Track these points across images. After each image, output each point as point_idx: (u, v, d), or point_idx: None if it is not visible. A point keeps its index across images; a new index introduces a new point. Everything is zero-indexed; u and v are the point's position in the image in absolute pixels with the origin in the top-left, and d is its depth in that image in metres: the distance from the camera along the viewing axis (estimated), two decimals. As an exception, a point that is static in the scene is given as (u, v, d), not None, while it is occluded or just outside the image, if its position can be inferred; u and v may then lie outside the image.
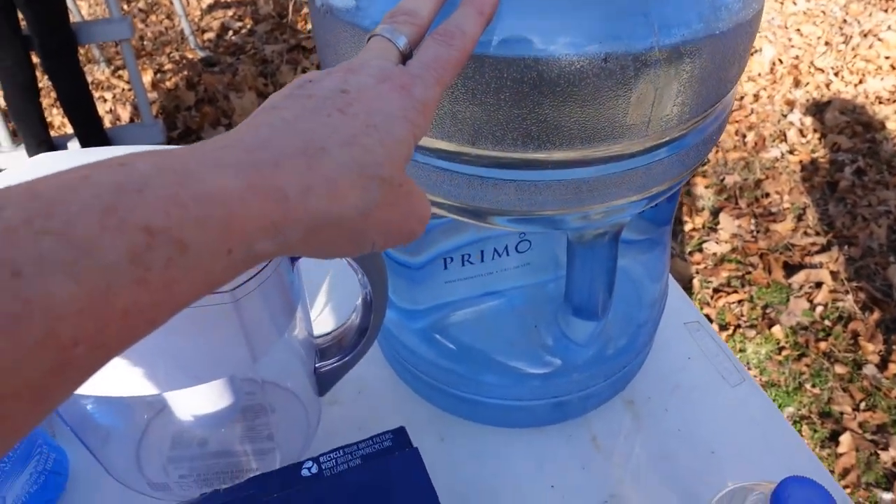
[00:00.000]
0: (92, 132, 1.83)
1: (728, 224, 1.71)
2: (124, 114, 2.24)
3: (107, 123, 2.17)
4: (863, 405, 1.32)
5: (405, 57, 0.27)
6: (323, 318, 0.64)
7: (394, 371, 0.58)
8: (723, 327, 1.48)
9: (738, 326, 1.48)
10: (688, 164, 0.38)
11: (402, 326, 0.52)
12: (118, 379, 0.35)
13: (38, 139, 1.81)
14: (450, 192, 0.36)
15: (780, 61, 2.34)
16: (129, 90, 2.29)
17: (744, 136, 2.03)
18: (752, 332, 1.46)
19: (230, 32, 2.62)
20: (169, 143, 2.00)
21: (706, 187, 1.84)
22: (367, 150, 0.22)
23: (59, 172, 0.17)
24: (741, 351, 1.42)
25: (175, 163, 0.18)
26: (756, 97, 2.19)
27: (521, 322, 0.51)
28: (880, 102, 2.16)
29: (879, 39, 2.41)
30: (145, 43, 2.55)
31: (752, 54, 2.35)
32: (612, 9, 0.30)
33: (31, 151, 1.83)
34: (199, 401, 0.41)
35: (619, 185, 0.36)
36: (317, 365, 0.49)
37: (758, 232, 1.70)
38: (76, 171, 0.17)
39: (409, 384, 0.56)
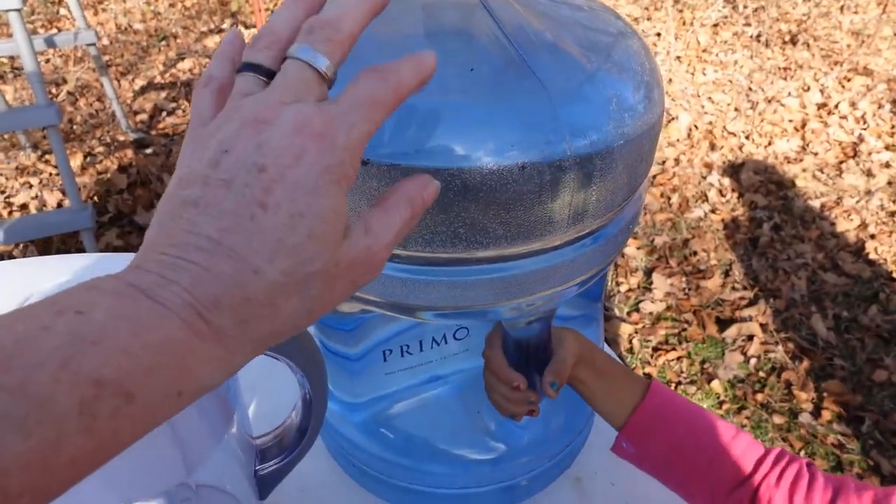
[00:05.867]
0: None
1: (661, 283, 1.77)
2: (52, 199, 2.17)
3: (32, 210, 2.10)
4: (802, 453, 1.36)
5: (328, 81, 0.24)
6: (261, 417, 0.62)
7: (338, 464, 0.56)
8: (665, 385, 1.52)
9: (679, 383, 1.52)
10: (611, 251, 0.40)
11: (344, 420, 0.51)
12: None
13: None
14: (382, 292, 0.37)
15: (696, 127, 2.50)
16: (57, 175, 2.24)
17: (669, 199, 2.14)
18: (692, 388, 1.50)
19: (163, 113, 2.61)
20: (99, 228, 1.94)
21: (638, 248, 1.92)
22: (296, 251, 0.21)
23: (18, 316, 0.18)
24: (684, 408, 1.45)
25: (127, 309, 0.19)
26: (677, 161, 2.32)
27: (463, 408, 0.51)
28: (788, 162, 2.33)
29: (782, 105, 2.62)
30: (74, 126, 2.51)
31: (669, 122, 2.51)
32: (527, 121, 0.32)
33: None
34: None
35: (547, 277, 0.37)
36: (257, 468, 0.48)
37: (689, 289, 1.77)
38: (36, 318, 0.18)
39: (353, 478, 0.55)
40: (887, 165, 2.28)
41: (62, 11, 3.10)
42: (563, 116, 0.33)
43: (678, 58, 2.89)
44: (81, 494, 0.35)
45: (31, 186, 2.25)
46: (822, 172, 2.27)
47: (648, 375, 1.54)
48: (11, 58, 2.70)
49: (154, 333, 0.19)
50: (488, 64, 0.33)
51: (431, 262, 0.36)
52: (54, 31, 3.00)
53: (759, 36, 3.03)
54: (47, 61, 2.77)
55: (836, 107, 2.60)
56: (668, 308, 1.71)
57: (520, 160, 0.32)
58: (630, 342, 1.61)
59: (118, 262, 0.42)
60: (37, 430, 0.16)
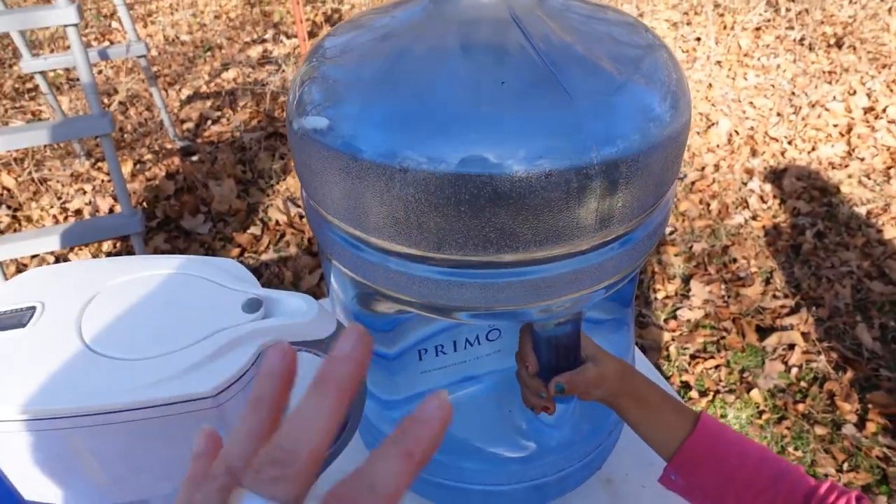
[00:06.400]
0: None
1: (699, 290, 1.75)
2: (104, 205, 2.27)
3: (86, 215, 2.19)
4: (846, 465, 1.33)
5: None
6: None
7: (375, 460, 0.58)
8: (703, 393, 1.50)
9: (718, 392, 1.50)
10: (638, 256, 0.42)
11: (382, 416, 0.53)
12: (107, 490, 0.36)
13: None
14: (418, 293, 0.39)
15: (737, 132, 2.46)
16: (109, 181, 2.33)
17: (708, 205, 2.11)
18: (731, 397, 1.48)
19: (209, 122, 2.69)
20: (148, 233, 2.02)
21: (675, 255, 1.90)
22: None
23: None
24: (722, 417, 1.44)
25: None
26: (717, 167, 2.29)
27: (496, 407, 0.53)
28: (833, 168, 2.27)
29: (826, 109, 2.56)
30: (125, 135, 2.61)
31: (709, 127, 2.48)
32: (554, 131, 0.34)
33: None
34: None
35: (575, 280, 0.39)
36: (298, 460, 0.50)
37: (728, 297, 1.75)
38: None
39: (390, 473, 0.57)
40: (938, 171, 2.20)
41: (114, 24, 3.23)
42: (589, 126, 0.35)
43: (718, 62, 2.85)
44: (137, 477, 0.38)
45: (84, 193, 2.35)
46: (869, 178, 2.21)
47: (686, 384, 1.52)
48: (67, 69, 2.83)
49: None
50: (520, 77, 0.35)
51: (464, 265, 0.38)
52: (107, 43, 3.13)
53: (802, 39, 2.97)
54: (100, 72, 2.89)
55: (885, 111, 2.53)
56: (707, 316, 1.69)
57: (547, 168, 0.34)
58: (667, 350, 1.60)
59: (169, 263, 0.45)
60: None
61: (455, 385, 0.53)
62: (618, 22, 0.42)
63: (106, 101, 2.84)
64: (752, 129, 2.48)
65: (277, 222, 1.97)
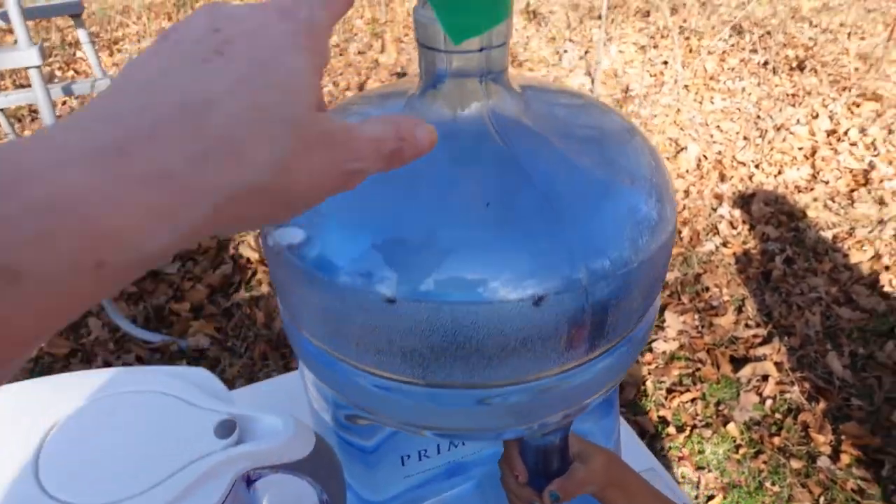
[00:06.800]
0: None
1: (673, 321, 1.77)
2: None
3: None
4: (822, 499, 1.34)
5: None
6: None
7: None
8: (680, 428, 1.50)
9: (695, 426, 1.51)
10: (627, 364, 0.41)
11: (362, 514, 0.52)
12: None
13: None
14: (397, 415, 0.38)
15: (705, 157, 2.50)
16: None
17: (679, 232, 2.13)
18: (708, 432, 1.49)
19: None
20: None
21: (650, 284, 1.92)
22: (262, 92, 0.18)
23: None
24: (700, 453, 1.44)
25: (7, 165, 0.15)
26: (687, 193, 2.32)
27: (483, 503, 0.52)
28: (799, 191, 2.32)
29: (791, 132, 2.62)
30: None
31: (678, 152, 2.52)
32: (542, 258, 0.33)
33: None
34: None
35: (565, 397, 0.38)
36: (275, 570, 0.48)
37: (702, 327, 1.76)
38: None
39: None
40: (899, 194, 2.27)
41: (79, 53, 3.16)
42: (578, 248, 0.34)
43: (686, 86, 2.91)
44: None
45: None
46: (834, 202, 2.26)
47: (663, 419, 1.53)
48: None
49: (46, 184, 0.14)
50: (504, 196, 0.34)
51: (448, 386, 0.36)
52: (71, 73, 3.06)
53: (766, 63, 3.04)
54: (64, 103, 2.82)
55: (846, 133, 2.60)
56: (682, 347, 1.70)
57: (535, 293, 0.33)
58: (644, 384, 1.60)
59: (135, 378, 0.43)
60: None
61: (441, 484, 0.51)
62: (603, 123, 0.41)
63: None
64: (719, 153, 2.52)
65: (249, 260, 1.93)
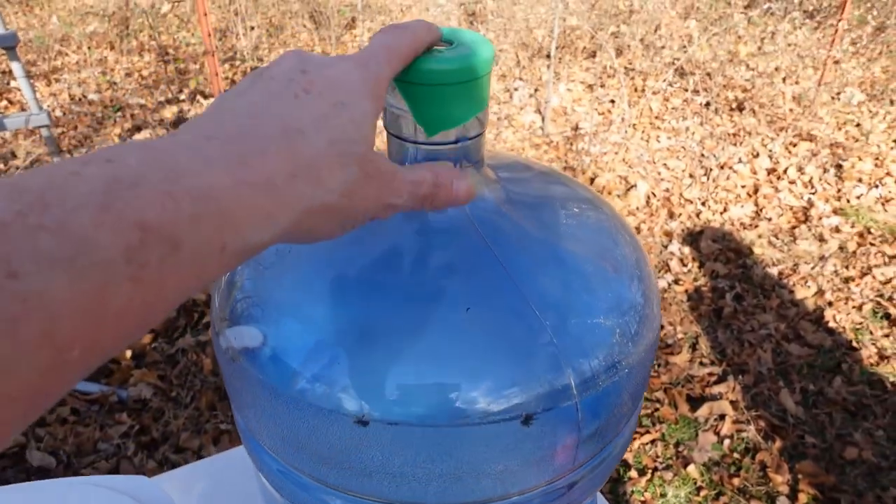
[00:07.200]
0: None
1: (631, 361, 1.77)
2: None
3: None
4: (782, 541, 1.34)
5: None
6: None
7: None
8: (641, 472, 1.49)
9: (656, 469, 1.50)
10: (611, 466, 0.38)
11: None
12: None
13: None
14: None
15: (654, 194, 2.56)
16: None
17: (633, 270, 2.16)
18: (669, 475, 1.48)
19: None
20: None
21: (606, 323, 1.92)
22: (340, 128, 0.22)
23: (38, 170, 0.17)
24: (662, 496, 1.43)
25: (165, 158, 0.18)
26: (638, 230, 2.36)
27: None
28: (744, 228, 2.39)
29: (734, 171, 2.71)
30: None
31: (628, 190, 2.57)
32: (530, 374, 0.31)
33: None
34: None
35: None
36: None
37: (658, 366, 1.77)
38: (60, 168, 0.17)
39: None
40: (837, 230, 2.36)
41: (13, 83, 3.03)
42: (565, 356, 0.31)
43: (633, 125, 2.98)
44: None
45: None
46: (777, 238, 2.34)
47: (625, 462, 1.51)
48: (-43, 134, 2.62)
49: (196, 180, 0.18)
50: (485, 301, 0.32)
51: None
52: (5, 103, 2.92)
53: (707, 103, 3.16)
54: (-5, 137, 2.69)
55: (785, 172, 2.71)
56: (640, 387, 1.70)
57: (522, 411, 0.30)
58: (604, 426, 1.59)
59: (66, 490, 0.38)
60: (83, 276, 0.15)
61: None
62: (581, 205, 0.39)
63: (2, 166, 2.64)
64: (667, 190, 2.58)
65: (195, 302, 1.85)
